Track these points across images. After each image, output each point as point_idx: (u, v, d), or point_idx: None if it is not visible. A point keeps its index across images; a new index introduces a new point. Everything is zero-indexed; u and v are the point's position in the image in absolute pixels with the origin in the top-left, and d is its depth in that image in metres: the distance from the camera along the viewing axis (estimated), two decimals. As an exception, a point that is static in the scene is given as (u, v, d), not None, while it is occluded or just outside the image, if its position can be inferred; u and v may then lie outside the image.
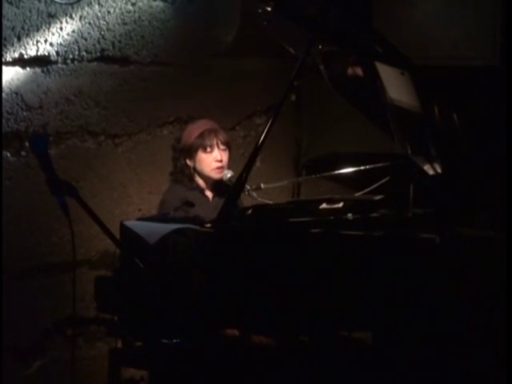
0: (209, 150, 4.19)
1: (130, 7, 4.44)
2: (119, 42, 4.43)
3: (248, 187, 3.91)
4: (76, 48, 4.28)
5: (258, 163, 4.80)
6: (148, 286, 3.37)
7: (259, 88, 4.97)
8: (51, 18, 4.17)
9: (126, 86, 4.50)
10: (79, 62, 4.31)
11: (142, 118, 4.58)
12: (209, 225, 3.56)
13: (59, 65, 4.25)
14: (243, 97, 4.96)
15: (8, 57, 4.07)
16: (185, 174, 4.24)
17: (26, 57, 4.13)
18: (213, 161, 4.20)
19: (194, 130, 4.24)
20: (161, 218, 3.84)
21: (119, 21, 4.41)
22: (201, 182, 4.26)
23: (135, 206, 4.59)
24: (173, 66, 4.65)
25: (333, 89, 4.06)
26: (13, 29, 4.07)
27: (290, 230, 3.49)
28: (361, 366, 3.59)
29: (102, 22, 4.34)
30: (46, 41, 4.17)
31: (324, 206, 3.59)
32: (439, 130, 3.70)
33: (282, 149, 5.15)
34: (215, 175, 4.21)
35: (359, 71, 3.96)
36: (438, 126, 3.70)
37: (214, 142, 4.20)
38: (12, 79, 4.11)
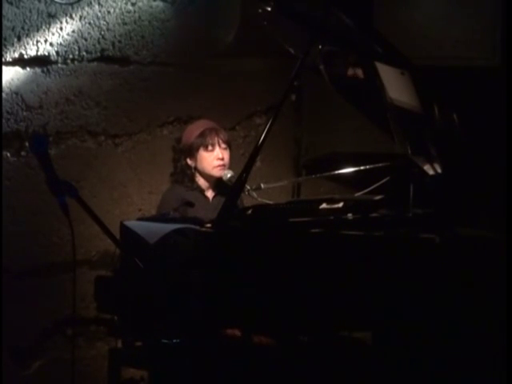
0: (210, 148, 4.20)
1: (130, 7, 4.44)
2: (119, 42, 4.43)
3: (248, 187, 3.91)
4: (76, 48, 4.28)
5: (258, 163, 4.80)
6: (148, 286, 3.37)
7: (259, 88, 4.97)
8: (51, 18, 4.17)
9: (126, 85, 4.50)
10: (79, 61, 4.31)
11: (141, 118, 4.58)
12: (209, 225, 3.56)
13: (59, 65, 4.25)
14: (243, 97, 4.95)
15: (8, 57, 4.08)
16: (185, 175, 4.24)
17: (25, 57, 4.14)
18: (214, 159, 4.20)
19: (194, 130, 4.25)
20: (161, 217, 3.84)
21: (119, 21, 4.41)
22: (201, 181, 4.26)
23: (135, 206, 4.59)
24: (173, 66, 4.65)
25: (333, 89, 4.06)
26: (13, 29, 4.07)
27: (290, 229, 3.49)
28: (361, 366, 3.59)
29: (102, 22, 4.35)
30: (46, 41, 4.17)
31: (324, 206, 3.59)
32: (439, 130, 3.69)
33: (281, 149, 5.15)
34: (216, 173, 4.21)
35: (359, 71, 3.96)
36: (438, 126, 3.70)
37: (215, 140, 4.21)
38: (12, 79, 4.12)
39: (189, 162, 4.24)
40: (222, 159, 4.21)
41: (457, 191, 3.61)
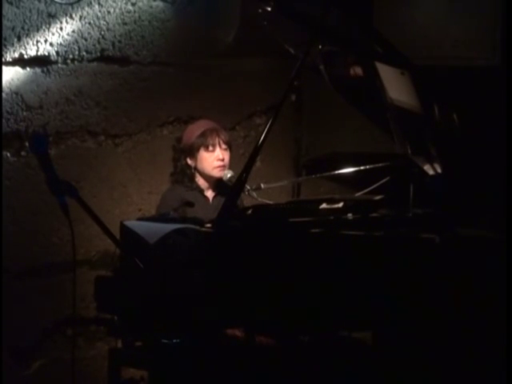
0: (211, 148, 4.20)
1: (130, 7, 4.44)
2: (119, 42, 4.43)
3: (248, 187, 3.91)
4: (76, 48, 4.28)
5: (258, 163, 4.80)
6: (148, 285, 3.37)
7: (259, 88, 4.97)
8: (51, 18, 4.17)
9: (126, 85, 4.50)
10: (79, 61, 4.31)
11: (141, 118, 4.58)
12: (209, 225, 3.56)
13: (59, 65, 4.25)
14: (243, 97, 4.96)
15: (8, 57, 4.07)
16: (185, 174, 4.25)
17: (25, 57, 4.13)
18: (214, 160, 4.21)
19: (195, 130, 4.25)
20: (161, 217, 3.84)
21: (119, 21, 4.41)
22: (201, 182, 4.27)
23: (135, 206, 4.59)
24: (173, 66, 4.65)
25: (333, 89, 4.06)
26: (13, 29, 4.07)
27: (290, 229, 3.49)
28: (361, 366, 3.59)
29: (102, 22, 4.34)
30: (46, 41, 4.17)
31: (324, 205, 3.59)
32: (439, 130, 3.70)
33: (281, 149, 5.15)
34: (216, 174, 4.22)
35: (359, 71, 3.97)
36: (438, 126, 3.70)
37: (216, 141, 4.21)
38: (12, 79, 4.12)
39: (189, 161, 4.25)
40: (223, 160, 4.21)
41: (457, 191, 3.61)
